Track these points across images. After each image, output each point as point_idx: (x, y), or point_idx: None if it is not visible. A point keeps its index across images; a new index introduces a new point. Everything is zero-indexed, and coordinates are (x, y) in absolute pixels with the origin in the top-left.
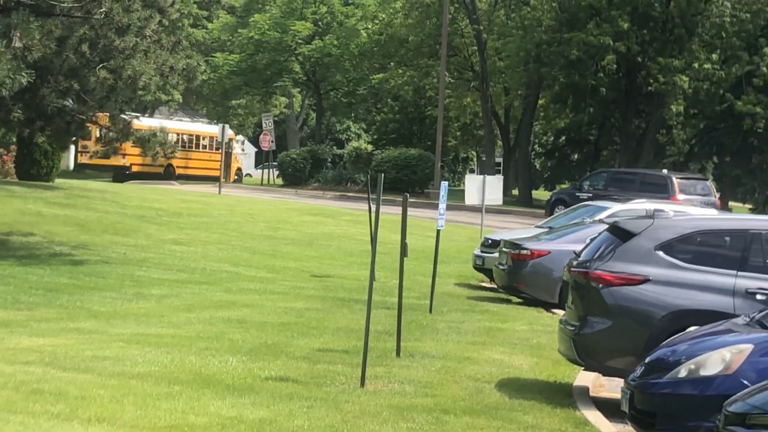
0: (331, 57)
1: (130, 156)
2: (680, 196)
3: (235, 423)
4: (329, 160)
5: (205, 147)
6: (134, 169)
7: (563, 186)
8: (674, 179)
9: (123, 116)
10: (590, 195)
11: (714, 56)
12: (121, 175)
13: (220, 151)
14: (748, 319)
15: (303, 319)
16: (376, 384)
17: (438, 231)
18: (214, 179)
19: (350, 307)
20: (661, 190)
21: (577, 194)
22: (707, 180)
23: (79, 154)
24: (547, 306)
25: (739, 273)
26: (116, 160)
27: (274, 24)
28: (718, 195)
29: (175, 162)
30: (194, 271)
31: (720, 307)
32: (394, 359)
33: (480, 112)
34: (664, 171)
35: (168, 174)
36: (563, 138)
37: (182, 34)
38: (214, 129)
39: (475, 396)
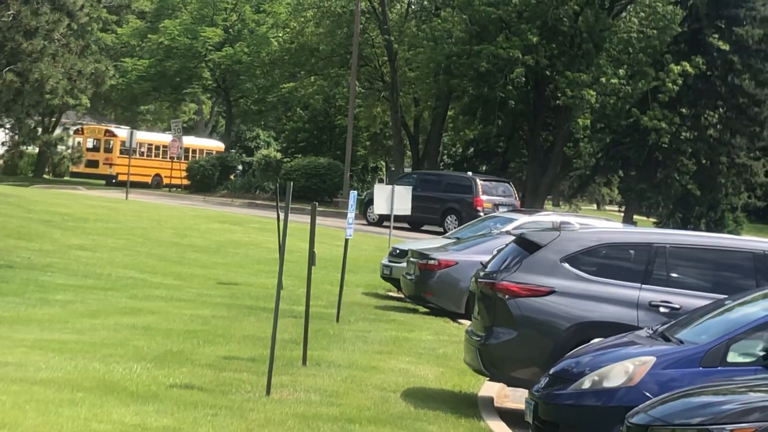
0: (241, 64)
1: (117, 166)
2: (483, 197)
3: (138, 431)
4: (238, 167)
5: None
6: (121, 178)
7: None
8: (477, 181)
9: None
10: None
11: (621, 71)
12: (109, 183)
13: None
14: (651, 332)
15: (209, 327)
16: (282, 392)
17: (346, 240)
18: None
19: (257, 315)
20: (466, 191)
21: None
22: (508, 182)
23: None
24: (454, 316)
25: (643, 286)
26: (104, 170)
27: (185, 30)
28: (519, 196)
29: (163, 172)
30: (100, 277)
31: (624, 319)
32: (300, 368)
33: (390, 122)
34: (469, 173)
35: (156, 183)
36: (472, 149)
37: (91, 39)
38: (212, 144)
39: (381, 405)
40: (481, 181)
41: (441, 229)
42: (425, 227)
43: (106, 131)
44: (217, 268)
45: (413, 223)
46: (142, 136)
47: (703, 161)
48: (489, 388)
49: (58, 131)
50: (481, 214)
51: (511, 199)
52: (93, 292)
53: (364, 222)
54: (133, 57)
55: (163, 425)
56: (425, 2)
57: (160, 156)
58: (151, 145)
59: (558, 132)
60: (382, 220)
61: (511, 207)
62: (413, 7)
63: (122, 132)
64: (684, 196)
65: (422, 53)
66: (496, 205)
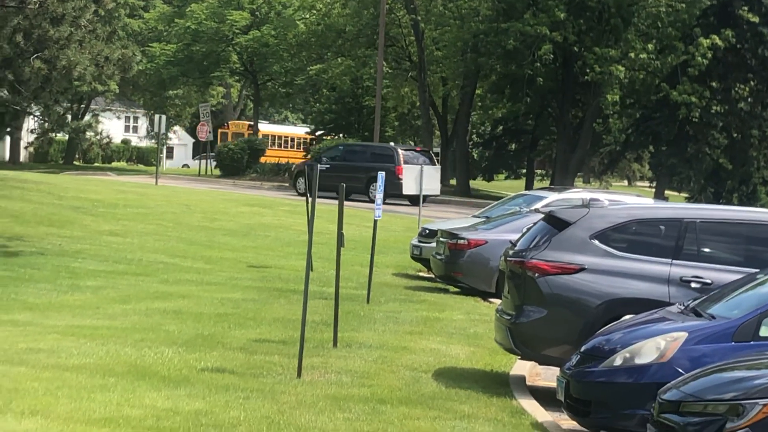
0: (268, 47)
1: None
2: (404, 166)
3: (170, 415)
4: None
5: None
6: None
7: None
8: (399, 151)
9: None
10: (328, 165)
11: (650, 46)
12: None
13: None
14: (682, 308)
15: (240, 310)
16: (313, 374)
17: (375, 221)
18: None
19: (287, 298)
20: (389, 160)
21: (318, 165)
22: (429, 152)
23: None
24: (485, 295)
25: (674, 261)
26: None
27: (211, 14)
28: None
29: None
30: (130, 263)
31: (655, 295)
32: (331, 350)
33: (417, 102)
34: (391, 144)
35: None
36: (501, 128)
37: (118, 24)
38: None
39: (412, 386)
40: (403, 151)
41: (366, 198)
42: (353, 196)
43: (249, 125)
44: (246, 251)
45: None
46: (275, 128)
47: (734, 135)
48: (520, 367)
49: (87, 117)
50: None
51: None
52: (124, 277)
53: (294, 193)
54: (161, 42)
55: (195, 409)
56: None
57: (291, 146)
58: (286, 137)
59: (587, 108)
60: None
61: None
62: None
63: (265, 126)
64: (715, 171)
65: (449, 32)
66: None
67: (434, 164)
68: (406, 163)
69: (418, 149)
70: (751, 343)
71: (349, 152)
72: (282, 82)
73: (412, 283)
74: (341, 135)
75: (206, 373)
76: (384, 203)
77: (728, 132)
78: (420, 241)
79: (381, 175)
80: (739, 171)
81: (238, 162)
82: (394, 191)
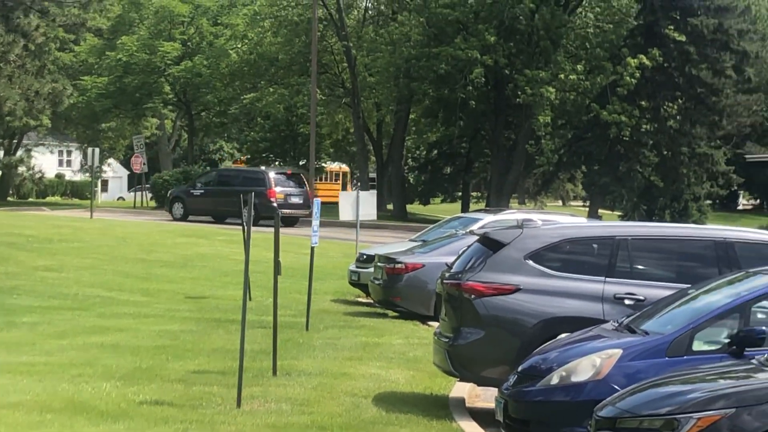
0: (201, 77)
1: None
2: (276, 189)
3: None
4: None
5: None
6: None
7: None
8: (270, 174)
9: None
10: (202, 190)
11: (579, 67)
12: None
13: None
14: (616, 324)
15: (178, 342)
16: (253, 404)
17: (312, 248)
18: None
19: (226, 328)
20: (260, 183)
21: (191, 191)
22: (299, 174)
23: None
24: (423, 319)
25: (607, 279)
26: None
27: (143, 45)
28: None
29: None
30: (66, 297)
31: (589, 313)
32: (270, 378)
33: (352, 128)
34: (262, 167)
35: None
36: (435, 151)
37: (48, 59)
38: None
39: (353, 411)
40: (274, 175)
41: (240, 221)
42: (228, 219)
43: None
44: (184, 282)
45: (217, 216)
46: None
47: (665, 152)
48: (460, 389)
49: (19, 153)
50: (275, 204)
51: (303, 189)
52: (60, 312)
53: (170, 217)
54: (92, 75)
55: None
56: (382, 7)
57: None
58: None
59: (520, 130)
60: (187, 214)
61: (302, 197)
62: (370, 12)
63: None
64: (647, 188)
65: (381, 58)
66: (288, 196)
67: (303, 187)
68: (277, 185)
69: (288, 172)
70: (685, 357)
71: (222, 177)
72: (216, 112)
73: (350, 309)
74: (278, 162)
75: (145, 407)
76: (255, 225)
77: (658, 150)
78: (358, 267)
79: (317, 202)
80: (671, 188)
81: None
82: (266, 213)
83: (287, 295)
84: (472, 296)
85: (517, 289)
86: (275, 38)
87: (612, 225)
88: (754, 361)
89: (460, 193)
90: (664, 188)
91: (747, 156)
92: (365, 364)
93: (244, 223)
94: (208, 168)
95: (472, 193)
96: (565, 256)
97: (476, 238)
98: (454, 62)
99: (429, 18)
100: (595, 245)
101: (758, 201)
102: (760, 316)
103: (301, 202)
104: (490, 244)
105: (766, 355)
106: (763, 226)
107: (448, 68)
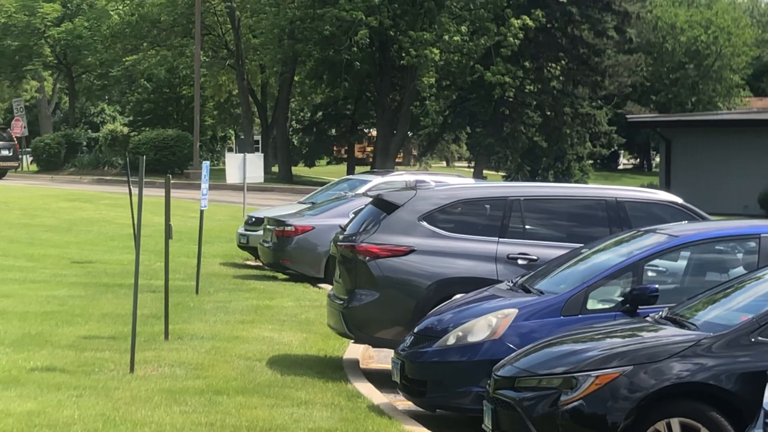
0: (82, 39)
1: None
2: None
3: (2, 417)
4: (85, 144)
5: None
6: None
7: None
8: None
9: None
10: None
11: (463, 28)
12: None
13: None
14: (511, 284)
15: (66, 307)
16: (146, 369)
17: (201, 211)
18: None
19: (115, 293)
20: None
21: None
22: (6, 128)
23: None
24: (314, 281)
25: (501, 239)
26: None
27: (22, 6)
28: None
29: None
30: None
31: (483, 273)
32: (163, 343)
33: (236, 91)
34: None
35: None
36: (320, 113)
37: None
38: None
39: (247, 375)
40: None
41: None
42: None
43: None
44: (70, 247)
45: None
46: None
47: (548, 113)
48: (354, 351)
49: None
50: None
51: (11, 143)
52: None
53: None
54: None
55: (27, 410)
56: None
57: None
58: None
59: (405, 92)
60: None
61: (11, 149)
62: None
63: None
64: (531, 149)
65: (265, 19)
66: None
67: (12, 141)
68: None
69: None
70: (579, 316)
71: None
72: (97, 74)
73: (240, 272)
74: (161, 126)
75: (36, 373)
76: None
77: (542, 110)
78: (246, 230)
79: (206, 165)
80: (554, 148)
81: (56, 157)
82: None
83: (176, 258)
84: (367, 258)
85: (411, 251)
86: None
87: (504, 186)
88: (648, 318)
89: (345, 155)
90: (547, 149)
91: (628, 116)
92: (257, 327)
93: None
94: (89, 131)
95: (357, 155)
96: (459, 217)
97: (366, 199)
98: (338, 23)
99: None
100: (487, 206)
101: (638, 160)
102: (651, 274)
103: (10, 154)
104: (383, 206)
105: (659, 313)
106: (644, 185)
107: (333, 29)
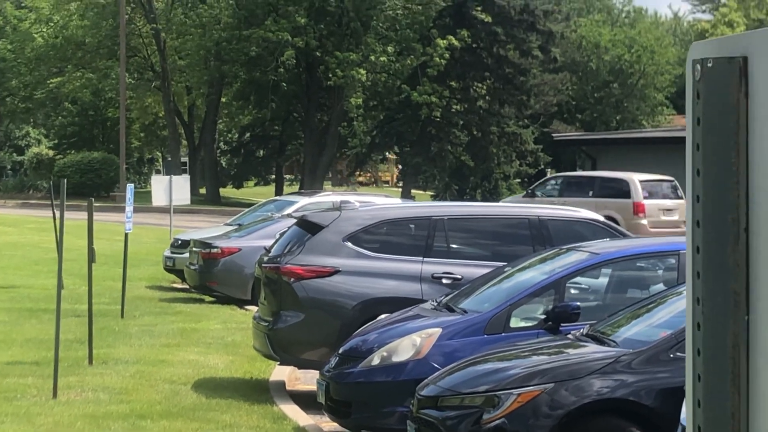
0: (5, 62)
1: None
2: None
3: None
4: (9, 167)
5: None
6: None
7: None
8: None
9: None
10: None
11: (389, 49)
12: None
13: None
14: (435, 304)
15: None
16: (69, 394)
17: (126, 234)
18: None
19: (39, 318)
20: None
21: None
22: None
23: None
24: (241, 303)
25: (425, 259)
26: None
27: None
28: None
29: None
30: None
31: (408, 293)
32: (86, 367)
33: (162, 112)
34: None
35: None
36: (248, 135)
37: None
38: None
39: (172, 399)
40: None
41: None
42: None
43: None
44: None
45: None
46: None
47: (475, 132)
48: (280, 373)
49: None
50: None
51: None
52: None
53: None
54: None
55: None
56: None
57: None
58: None
59: (332, 112)
60: None
61: None
62: None
63: None
64: (458, 168)
65: (191, 40)
66: None
67: None
68: None
69: None
70: (503, 334)
71: None
72: (21, 97)
73: (167, 295)
74: (86, 149)
75: None
76: None
77: (469, 130)
78: (173, 253)
79: (130, 188)
80: (481, 167)
81: None
82: None
83: (101, 282)
84: (291, 279)
85: (336, 271)
86: (82, 21)
87: (428, 205)
88: (569, 336)
89: (273, 177)
90: (474, 168)
91: (554, 135)
92: (183, 351)
93: (55, 210)
94: (14, 154)
95: (285, 176)
96: (383, 237)
97: (293, 221)
98: (265, 44)
99: (239, 0)
100: (412, 226)
101: None
102: (574, 291)
103: None
104: (308, 227)
105: (581, 330)
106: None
107: (259, 50)
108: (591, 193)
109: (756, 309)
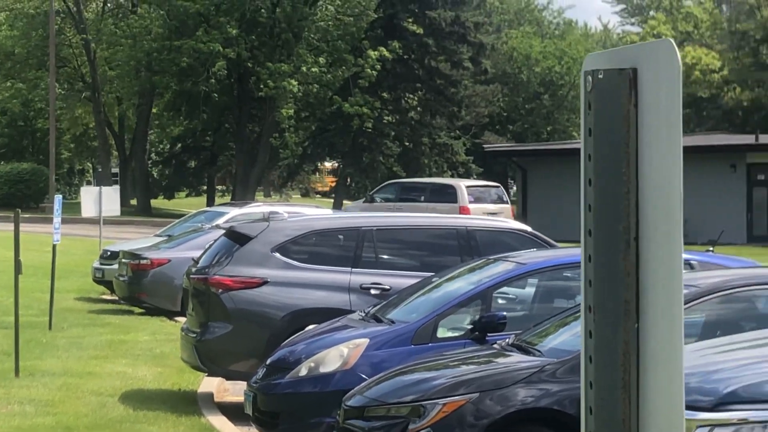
0: None
1: None
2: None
3: None
4: None
5: None
6: None
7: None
8: None
9: None
10: None
11: (321, 60)
12: None
13: None
14: (363, 314)
15: None
16: None
17: (54, 246)
18: None
19: None
20: None
21: None
22: None
23: None
24: (170, 315)
25: (354, 269)
26: None
27: None
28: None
29: None
30: None
31: (337, 304)
32: (13, 380)
33: (93, 123)
34: None
35: None
36: (179, 145)
37: None
38: None
39: (99, 411)
40: None
41: None
42: None
43: None
44: None
45: None
46: None
47: (406, 143)
48: (208, 384)
49: None
50: None
51: None
52: None
53: None
54: None
55: None
56: (121, 0)
57: None
58: None
59: (264, 123)
60: None
61: None
62: (109, 5)
63: None
64: (390, 179)
65: (121, 51)
66: None
67: None
68: None
69: None
70: (430, 344)
71: None
72: None
73: (95, 307)
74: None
75: None
76: None
77: (400, 141)
78: (102, 264)
79: (58, 199)
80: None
81: None
82: None
83: (29, 294)
84: (219, 290)
85: (264, 282)
86: (11, 31)
87: (357, 216)
88: (495, 345)
89: (205, 187)
90: (406, 178)
91: (485, 146)
92: (111, 363)
93: None
94: None
95: (217, 187)
96: (312, 248)
97: (223, 232)
98: (196, 55)
99: (170, 10)
100: (340, 236)
101: None
102: (501, 301)
103: None
104: (236, 238)
105: (507, 340)
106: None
107: (191, 61)
108: (423, 198)
109: (645, 317)
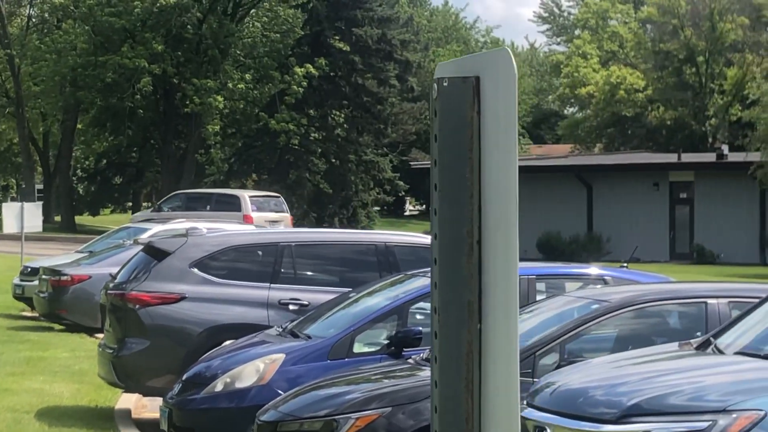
0: None
1: None
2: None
3: None
4: None
5: None
6: None
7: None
8: None
9: None
10: None
11: (248, 76)
12: None
13: None
14: (281, 330)
15: None
16: None
17: None
18: None
19: None
20: None
21: None
22: None
23: None
24: (91, 331)
25: (272, 285)
26: None
27: None
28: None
29: None
30: None
31: (255, 319)
32: None
33: (17, 139)
34: None
35: None
36: (104, 162)
37: None
38: None
39: (13, 427)
40: None
41: None
42: None
43: None
44: None
45: None
46: None
47: (333, 160)
48: (126, 400)
49: None
50: None
51: None
52: None
53: None
54: None
55: None
56: (46, 15)
57: None
58: None
59: (190, 139)
60: None
61: None
62: (34, 20)
63: None
64: (317, 196)
65: (46, 66)
66: None
67: None
68: None
69: None
70: (346, 359)
71: None
72: None
73: (14, 323)
74: None
75: None
76: None
77: (327, 158)
78: (22, 280)
79: None
80: (340, 195)
81: None
82: None
83: None
84: (137, 306)
85: (182, 298)
86: None
87: (276, 232)
88: (410, 360)
89: (130, 204)
90: (333, 195)
91: (412, 163)
92: (28, 379)
93: None
94: None
95: (143, 204)
96: (230, 263)
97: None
98: (121, 71)
99: (95, 26)
100: (259, 252)
101: (424, 206)
102: (418, 317)
103: None
104: (154, 254)
105: (422, 355)
106: (428, 230)
107: (116, 77)
108: (208, 207)
109: (487, 318)
